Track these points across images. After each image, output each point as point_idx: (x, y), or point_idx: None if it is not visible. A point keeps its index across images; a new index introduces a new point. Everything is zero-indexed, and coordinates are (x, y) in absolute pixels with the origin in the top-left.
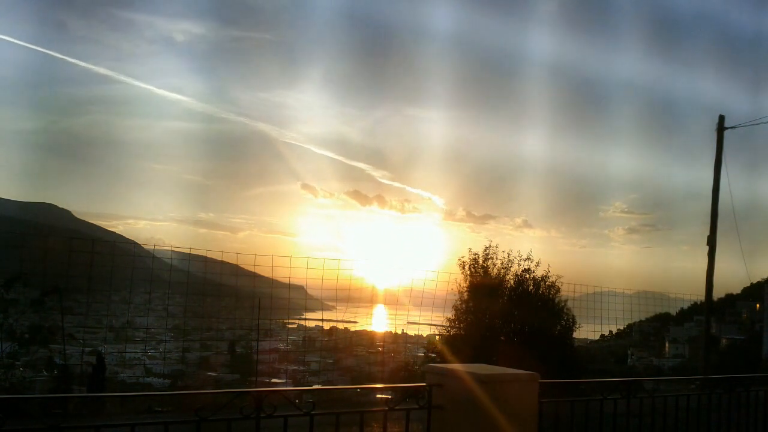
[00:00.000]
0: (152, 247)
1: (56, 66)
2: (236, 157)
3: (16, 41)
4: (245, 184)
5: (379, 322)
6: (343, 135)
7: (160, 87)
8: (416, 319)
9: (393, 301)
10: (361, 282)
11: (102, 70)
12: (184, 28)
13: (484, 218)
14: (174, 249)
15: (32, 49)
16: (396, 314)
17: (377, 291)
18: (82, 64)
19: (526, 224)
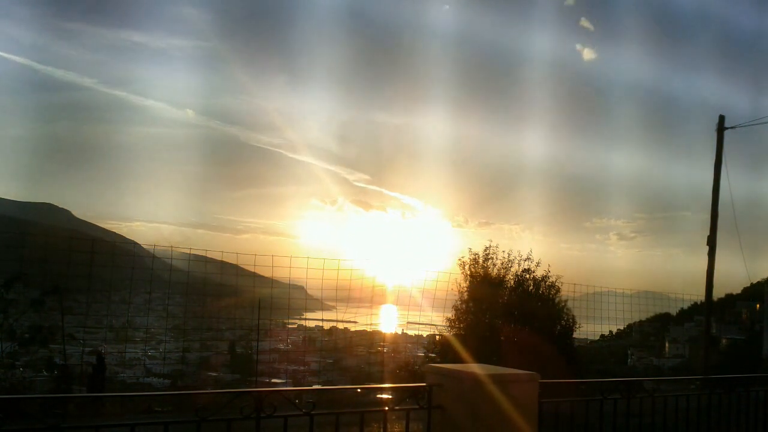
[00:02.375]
0: (152, 247)
1: (36, 74)
2: (234, 162)
3: None
4: (246, 188)
5: (379, 322)
6: (342, 142)
7: (135, 93)
8: (416, 319)
9: (393, 302)
10: (361, 282)
11: (76, 78)
12: (164, 41)
13: (482, 224)
14: (174, 249)
15: (9, 57)
16: (399, 313)
17: (377, 291)
18: (50, 69)
19: (524, 228)
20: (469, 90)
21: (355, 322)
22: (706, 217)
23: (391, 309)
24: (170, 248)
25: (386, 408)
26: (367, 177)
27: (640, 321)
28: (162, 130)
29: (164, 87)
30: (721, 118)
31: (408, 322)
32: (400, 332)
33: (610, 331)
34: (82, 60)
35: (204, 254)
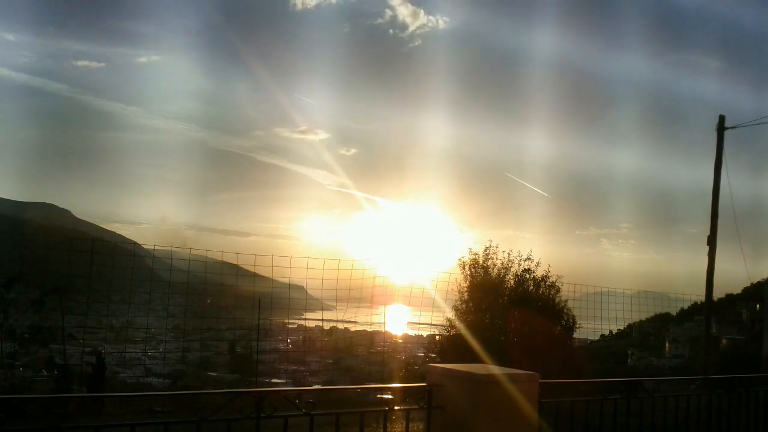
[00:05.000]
0: (152, 247)
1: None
2: (231, 167)
3: None
4: (249, 190)
5: (381, 321)
6: (336, 148)
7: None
8: (416, 320)
9: (395, 302)
10: (362, 282)
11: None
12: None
13: (481, 229)
14: (174, 249)
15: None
16: (401, 314)
17: (377, 291)
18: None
19: (523, 234)
20: (464, 94)
21: (355, 322)
22: (706, 217)
23: (398, 309)
24: (170, 248)
25: (386, 408)
26: (366, 181)
27: (640, 321)
28: (153, 136)
29: (155, 96)
30: (721, 118)
31: (408, 322)
32: (400, 332)
33: (610, 331)
34: (63, 67)
35: (204, 254)
